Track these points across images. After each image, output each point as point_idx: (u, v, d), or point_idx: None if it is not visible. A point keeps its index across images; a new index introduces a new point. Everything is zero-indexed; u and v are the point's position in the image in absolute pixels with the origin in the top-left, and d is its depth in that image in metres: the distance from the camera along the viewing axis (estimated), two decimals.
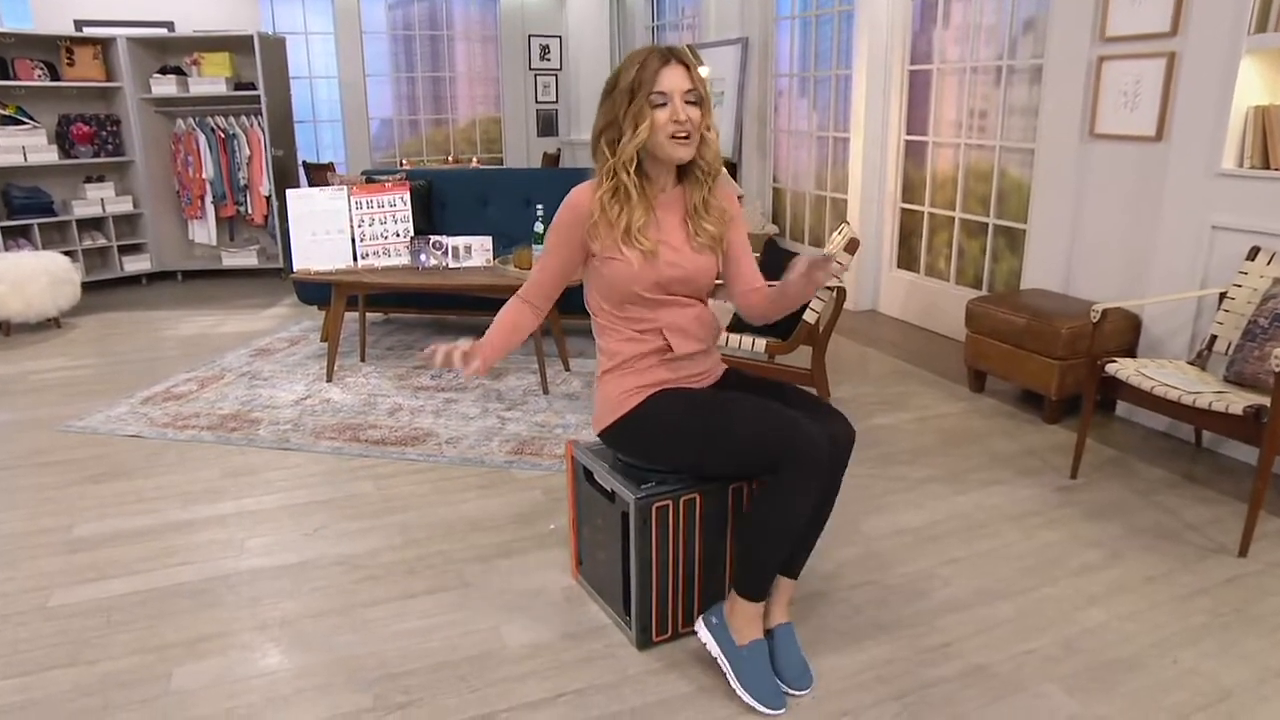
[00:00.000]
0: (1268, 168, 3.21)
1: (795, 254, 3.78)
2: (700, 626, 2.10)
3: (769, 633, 2.09)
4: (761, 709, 1.96)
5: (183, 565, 2.63)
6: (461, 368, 2.03)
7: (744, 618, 2.03)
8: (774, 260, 3.63)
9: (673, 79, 1.98)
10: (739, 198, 6.25)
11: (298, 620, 2.35)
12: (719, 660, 2.05)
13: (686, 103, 1.99)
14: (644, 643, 2.19)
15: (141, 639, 2.26)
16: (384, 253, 4.26)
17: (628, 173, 2.03)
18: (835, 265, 1.92)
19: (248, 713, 1.99)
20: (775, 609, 2.11)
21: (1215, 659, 2.17)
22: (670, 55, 2.00)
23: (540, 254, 2.21)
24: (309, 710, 2.00)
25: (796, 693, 2.02)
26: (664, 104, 1.98)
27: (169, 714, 1.99)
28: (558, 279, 2.18)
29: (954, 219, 5.11)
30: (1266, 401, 2.59)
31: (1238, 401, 2.67)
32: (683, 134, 2.00)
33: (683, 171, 2.13)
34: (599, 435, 2.20)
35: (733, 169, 6.83)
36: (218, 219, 6.90)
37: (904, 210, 5.53)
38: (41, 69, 6.19)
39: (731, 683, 2.01)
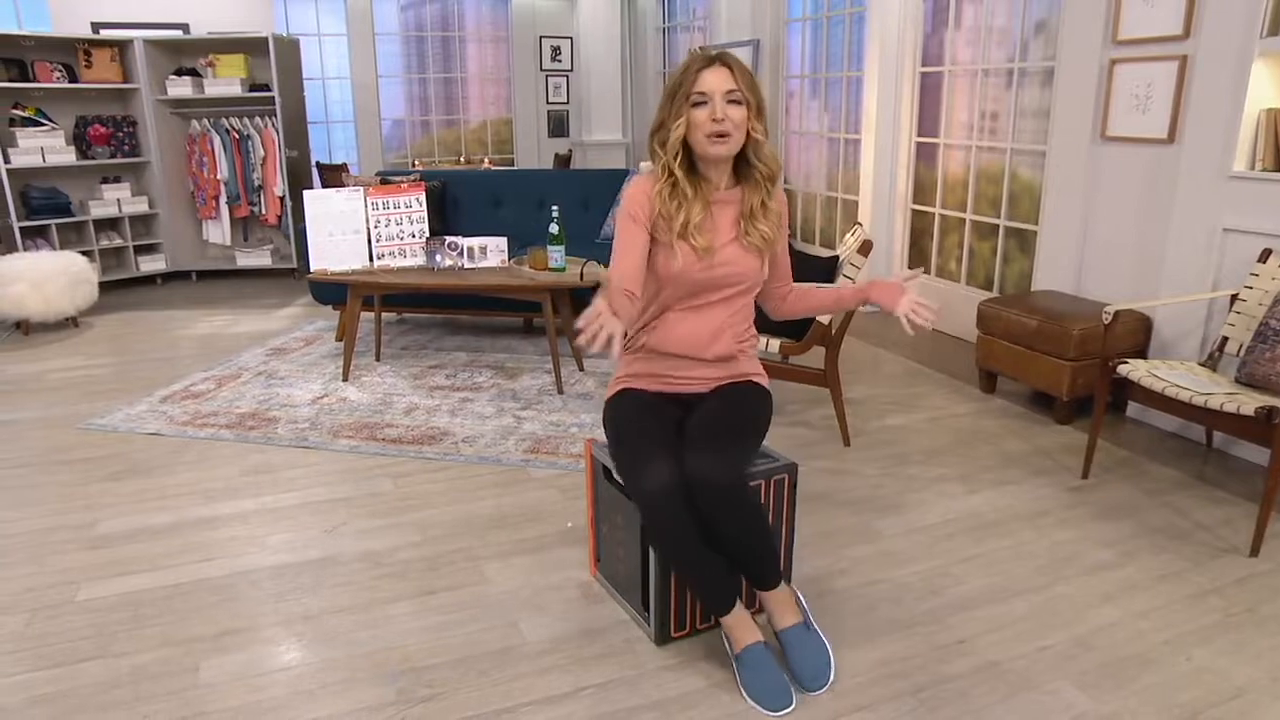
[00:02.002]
0: (1279, 170, 3.22)
1: (807, 255, 3.81)
2: (722, 631, 2.18)
3: (779, 635, 2.14)
4: (759, 709, 2.00)
5: (206, 561, 2.67)
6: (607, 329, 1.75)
7: (733, 627, 2.11)
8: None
9: (714, 80, 2.03)
10: None
11: (320, 616, 2.38)
12: None
13: (728, 102, 2.03)
14: (663, 638, 2.23)
15: (168, 632, 2.31)
16: (399, 253, 4.30)
17: (675, 168, 2.08)
18: (926, 314, 2.08)
19: (274, 705, 2.03)
20: (776, 615, 2.16)
21: (1227, 657, 2.19)
22: (715, 58, 2.06)
23: (617, 245, 2.11)
24: (334, 704, 2.04)
25: (811, 692, 2.06)
26: (703, 103, 2.04)
27: (198, 706, 2.03)
28: (640, 258, 2.09)
29: (965, 220, 5.13)
30: (1278, 402, 2.61)
31: (1249, 403, 2.69)
32: (720, 133, 2.04)
33: (740, 173, 2.17)
34: None
35: None
36: (232, 219, 6.96)
37: (915, 212, 5.55)
38: (60, 71, 6.26)
39: (737, 684, 2.08)
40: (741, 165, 2.15)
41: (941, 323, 5.29)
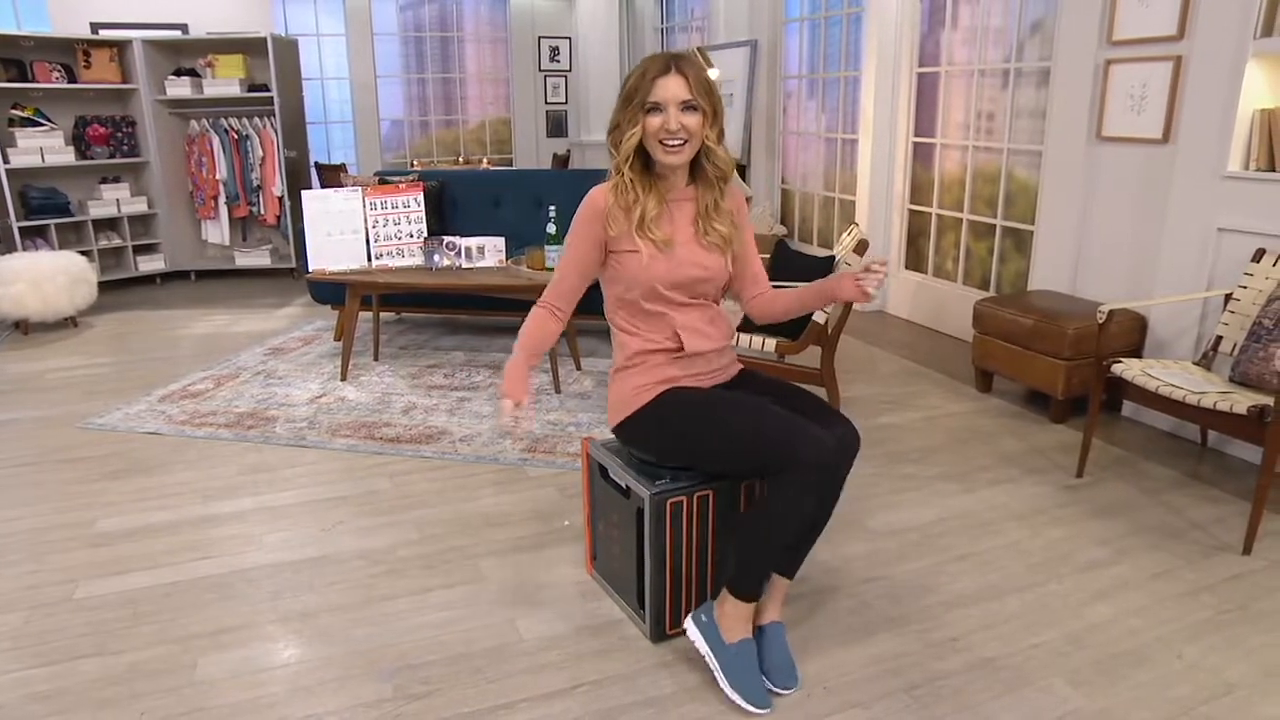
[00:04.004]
0: (1273, 170, 3.24)
1: (808, 255, 3.83)
2: (689, 624, 2.12)
3: (759, 630, 2.12)
4: (749, 708, 1.99)
5: (204, 559, 2.69)
6: (516, 407, 2.11)
7: (734, 617, 2.06)
8: (784, 261, 3.67)
9: (669, 88, 2.03)
10: (747, 199, 6.27)
11: (318, 613, 2.40)
12: (706, 658, 2.08)
13: (683, 110, 2.04)
14: (658, 635, 2.24)
15: (166, 630, 2.32)
16: (398, 253, 4.31)
17: (627, 170, 2.11)
18: (873, 278, 2.03)
19: (271, 702, 2.04)
20: (768, 607, 2.15)
21: (1219, 654, 2.21)
22: (671, 64, 2.05)
23: (560, 259, 2.23)
24: (330, 700, 2.05)
25: (782, 691, 2.05)
26: (657, 111, 2.05)
27: (194, 703, 2.04)
28: (579, 279, 2.20)
29: (961, 220, 5.15)
30: (1270, 401, 2.62)
31: (1242, 401, 2.71)
32: (673, 142, 2.06)
33: (694, 172, 2.18)
34: (614, 431, 2.26)
35: (742, 170, 6.88)
36: (231, 219, 6.97)
37: (912, 212, 5.57)
38: (59, 71, 6.27)
39: (719, 681, 2.04)
40: (695, 165, 2.17)
41: (938, 322, 5.31)
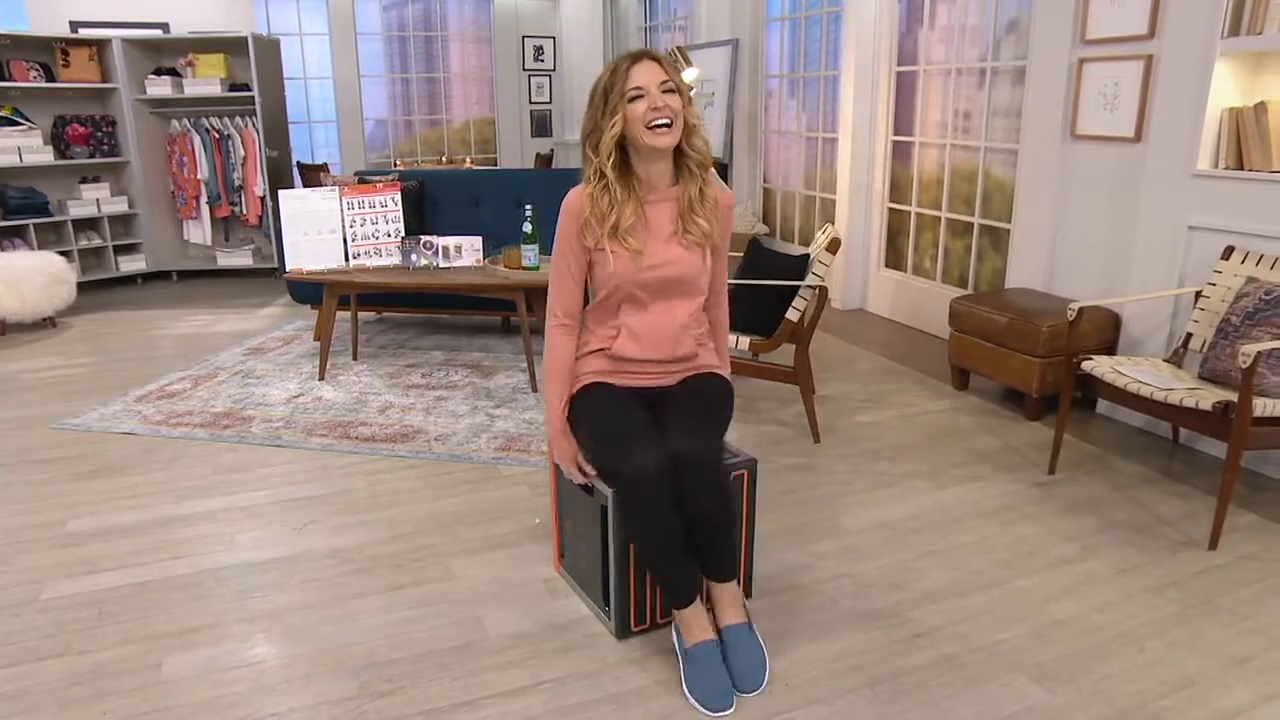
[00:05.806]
0: (1241, 168, 3.26)
1: (782, 254, 3.84)
2: (673, 625, 2.18)
3: (722, 631, 2.13)
4: (701, 709, 1.99)
5: (174, 559, 2.68)
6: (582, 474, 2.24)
7: (682, 620, 2.11)
8: (758, 261, 3.68)
9: (645, 74, 2.06)
10: None
11: (286, 612, 2.39)
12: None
13: (664, 92, 2.06)
14: (623, 633, 2.25)
15: (132, 630, 2.31)
16: (375, 253, 4.30)
17: (608, 169, 2.10)
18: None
19: (236, 700, 2.04)
20: (721, 610, 2.15)
21: (1181, 648, 2.22)
22: (641, 54, 2.09)
23: (553, 272, 2.23)
24: (295, 698, 2.05)
25: (745, 693, 2.04)
26: (639, 97, 2.06)
27: (158, 702, 2.04)
28: (577, 285, 2.23)
29: (940, 219, 5.17)
30: (1235, 397, 2.64)
31: (1208, 397, 2.73)
32: (662, 120, 2.06)
33: (678, 169, 2.19)
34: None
35: (723, 170, 6.88)
36: (213, 219, 6.95)
37: (891, 210, 5.58)
38: (37, 70, 6.24)
39: (681, 681, 2.07)
40: (679, 162, 2.18)
41: (917, 320, 5.33)
